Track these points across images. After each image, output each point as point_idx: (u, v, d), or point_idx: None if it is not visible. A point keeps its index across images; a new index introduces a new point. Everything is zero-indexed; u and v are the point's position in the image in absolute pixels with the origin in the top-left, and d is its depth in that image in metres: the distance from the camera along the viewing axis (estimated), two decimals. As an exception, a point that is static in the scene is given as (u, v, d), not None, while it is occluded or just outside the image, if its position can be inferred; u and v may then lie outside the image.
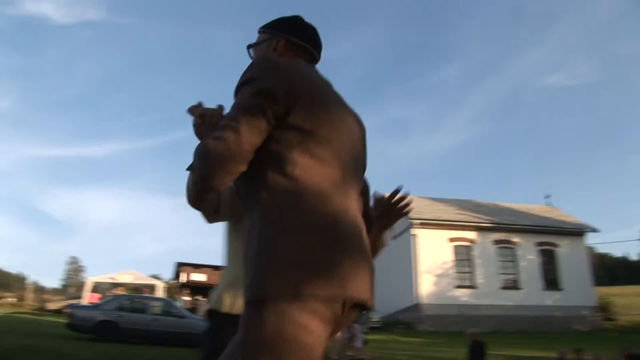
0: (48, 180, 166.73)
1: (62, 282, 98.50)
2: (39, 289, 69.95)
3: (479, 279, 31.61)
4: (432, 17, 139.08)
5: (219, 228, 2.48)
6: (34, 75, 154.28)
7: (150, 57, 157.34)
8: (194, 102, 1.96)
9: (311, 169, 1.62)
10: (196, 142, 1.76)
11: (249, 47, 2.09)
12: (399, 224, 33.41)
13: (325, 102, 1.75)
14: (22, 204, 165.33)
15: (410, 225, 31.26)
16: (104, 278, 31.90)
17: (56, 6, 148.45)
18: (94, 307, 19.72)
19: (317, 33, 2.07)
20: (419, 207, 33.77)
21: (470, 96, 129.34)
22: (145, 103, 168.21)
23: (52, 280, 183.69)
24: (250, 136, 1.62)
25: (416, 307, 30.36)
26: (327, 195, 1.59)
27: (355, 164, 1.80)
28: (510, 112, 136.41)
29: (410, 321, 30.53)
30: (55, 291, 75.21)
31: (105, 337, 17.41)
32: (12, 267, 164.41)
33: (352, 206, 1.70)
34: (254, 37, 2.09)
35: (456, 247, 31.99)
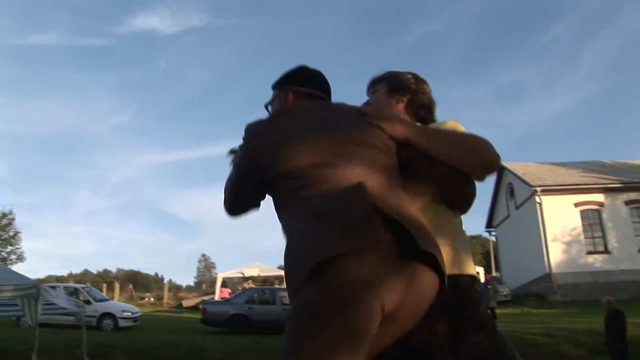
0: (172, 184, 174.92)
1: (195, 280, 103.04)
2: (175, 288, 73.76)
3: (613, 243, 29.70)
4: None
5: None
6: (148, 86, 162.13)
7: (256, 54, 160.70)
8: (234, 147, 2.21)
9: (294, 217, 1.76)
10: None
11: (266, 105, 2.30)
12: (522, 193, 32.20)
13: (301, 136, 1.89)
14: (151, 208, 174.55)
15: (534, 193, 29.94)
16: (233, 273, 33.02)
17: (161, 18, 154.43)
18: (225, 302, 20.48)
19: (321, 75, 2.24)
20: (540, 174, 32.37)
21: (583, 53, 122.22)
22: (256, 99, 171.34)
23: (186, 278, 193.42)
24: (240, 185, 2.04)
25: (547, 277, 29.07)
26: (307, 237, 1.65)
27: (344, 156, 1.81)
28: (628, 64, 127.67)
29: (541, 292, 29.34)
30: (189, 288, 78.95)
31: (238, 329, 17.95)
32: (149, 269, 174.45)
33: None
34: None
35: (584, 211, 30.22)
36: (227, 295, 24.96)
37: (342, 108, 2.07)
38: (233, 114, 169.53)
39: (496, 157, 1.91)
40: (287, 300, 16.76)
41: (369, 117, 1.95)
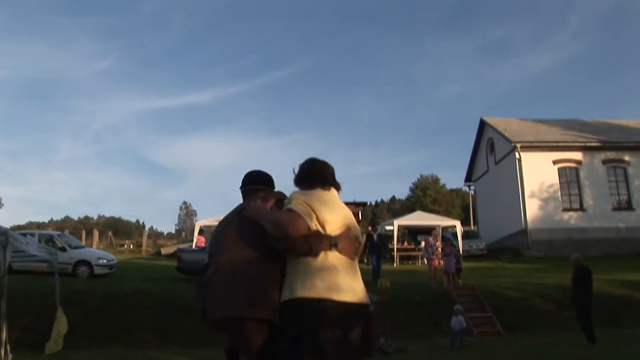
0: (155, 131, 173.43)
1: (176, 227, 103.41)
2: (156, 235, 73.93)
3: (589, 201, 30.12)
4: None
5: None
6: (131, 32, 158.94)
7: (237, 1, 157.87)
8: None
9: None
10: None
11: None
12: (502, 148, 32.28)
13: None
14: (134, 155, 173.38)
15: (513, 149, 30.02)
16: (211, 221, 32.92)
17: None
18: (200, 250, 20.44)
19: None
20: (521, 130, 32.42)
21: (572, 10, 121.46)
22: (239, 47, 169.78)
23: (168, 226, 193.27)
24: None
25: (523, 232, 29.44)
26: None
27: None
28: (616, 24, 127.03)
29: (517, 247, 29.76)
30: (170, 236, 79.32)
31: None
32: (130, 216, 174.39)
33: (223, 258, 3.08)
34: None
35: (562, 169, 30.46)
36: (203, 244, 25.01)
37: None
38: (218, 61, 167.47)
39: (279, 226, 2.89)
40: None
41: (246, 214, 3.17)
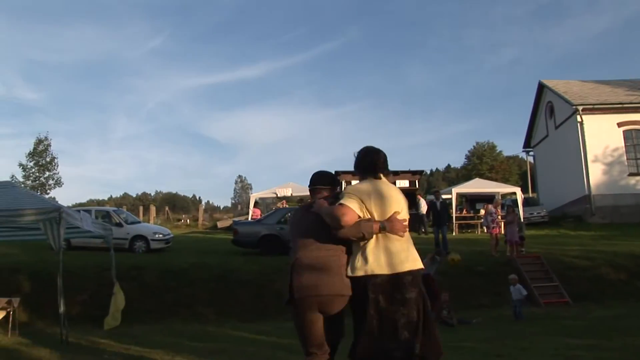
0: (208, 107, 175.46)
1: (232, 201, 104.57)
2: (212, 209, 74.78)
3: (657, 165, 28.53)
4: None
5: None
6: (181, 9, 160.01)
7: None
8: None
9: None
10: None
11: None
12: (562, 112, 30.93)
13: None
14: (188, 132, 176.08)
15: (575, 112, 28.66)
16: (266, 193, 32.95)
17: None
18: (256, 222, 20.26)
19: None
20: (583, 92, 30.90)
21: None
22: (289, 19, 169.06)
23: (224, 200, 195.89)
24: None
25: (586, 198, 28.23)
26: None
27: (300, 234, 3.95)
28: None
29: (580, 214, 28.58)
30: (226, 210, 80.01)
31: (269, 250, 17.83)
32: (187, 191, 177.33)
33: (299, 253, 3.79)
34: None
35: (627, 131, 28.89)
36: (259, 216, 24.88)
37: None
38: (268, 34, 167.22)
39: (334, 224, 3.60)
40: None
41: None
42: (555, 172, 32.92)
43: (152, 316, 12.80)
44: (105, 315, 11.83)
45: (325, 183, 4.21)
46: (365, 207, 3.60)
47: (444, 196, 26.79)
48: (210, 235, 29.54)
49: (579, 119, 28.54)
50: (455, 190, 30.04)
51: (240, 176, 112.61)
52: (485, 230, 20.37)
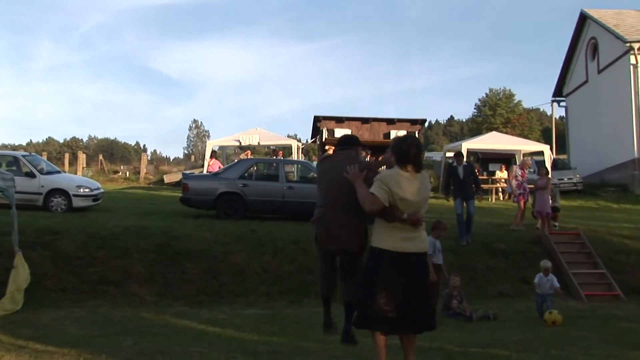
0: (158, 34, 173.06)
1: (185, 151, 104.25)
2: (159, 160, 73.94)
3: None
4: None
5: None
6: None
7: None
8: None
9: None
10: None
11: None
12: (610, 50, 30.15)
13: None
14: (133, 64, 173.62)
15: (628, 51, 27.92)
16: (227, 141, 32.02)
17: None
18: (213, 176, 19.49)
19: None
20: (639, 25, 30.04)
21: None
22: None
23: (175, 149, 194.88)
24: None
25: (634, 163, 27.80)
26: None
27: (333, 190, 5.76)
28: None
29: (624, 182, 28.40)
30: (177, 162, 79.36)
31: (228, 213, 17.49)
32: (129, 137, 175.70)
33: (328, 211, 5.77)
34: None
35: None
36: (217, 169, 24.09)
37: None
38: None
39: (364, 204, 5.21)
40: (293, 176, 16.29)
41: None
42: (593, 129, 32.44)
43: (68, 297, 12.08)
44: (2, 295, 11.09)
45: (355, 143, 6.25)
46: (393, 196, 5.03)
47: (448, 153, 25.68)
48: (155, 191, 29.20)
49: (632, 60, 28.01)
50: (466, 145, 29.12)
51: (195, 121, 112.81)
52: (508, 198, 19.75)
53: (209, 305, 12.15)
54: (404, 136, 5.48)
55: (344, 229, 5.56)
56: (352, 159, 5.78)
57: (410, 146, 5.18)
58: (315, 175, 17.97)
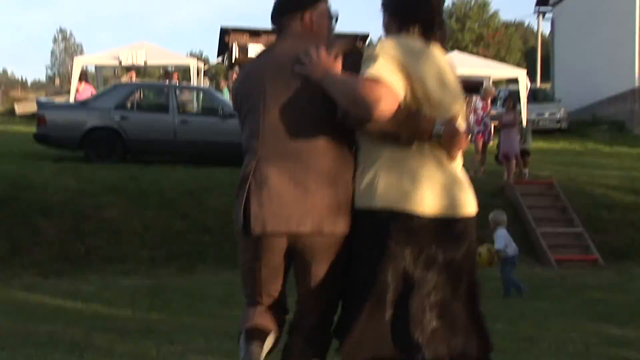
0: None
1: (49, 73, 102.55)
2: (11, 84, 72.56)
3: None
4: None
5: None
6: None
7: None
8: None
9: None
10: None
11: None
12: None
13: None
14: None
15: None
16: (102, 58, 31.52)
17: None
18: (80, 106, 19.40)
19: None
20: None
21: None
22: None
23: (33, 69, 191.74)
24: None
25: (633, 94, 28.56)
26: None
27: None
28: None
29: (621, 119, 29.22)
30: (36, 86, 78.07)
31: (100, 154, 17.40)
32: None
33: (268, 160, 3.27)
34: None
35: None
36: (88, 96, 23.92)
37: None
38: None
39: (359, 106, 2.96)
40: (190, 107, 16.49)
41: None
42: (584, 50, 33.18)
43: None
44: None
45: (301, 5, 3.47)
46: (413, 87, 3.05)
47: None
48: (2, 125, 28.84)
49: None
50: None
51: (62, 31, 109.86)
52: (469, 138, 20.14)
53: (72, 274, 12.23)
54: None
55: (310, 194, 3.21)
56: (311, 40, 3.36)
57: None
58: (221, 106, 18.02)
